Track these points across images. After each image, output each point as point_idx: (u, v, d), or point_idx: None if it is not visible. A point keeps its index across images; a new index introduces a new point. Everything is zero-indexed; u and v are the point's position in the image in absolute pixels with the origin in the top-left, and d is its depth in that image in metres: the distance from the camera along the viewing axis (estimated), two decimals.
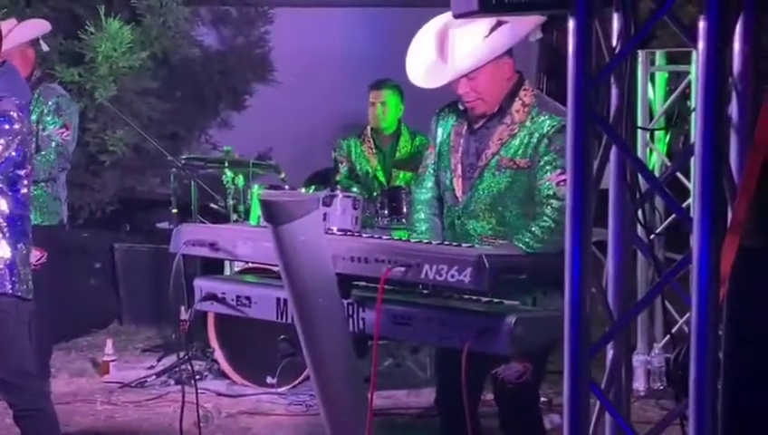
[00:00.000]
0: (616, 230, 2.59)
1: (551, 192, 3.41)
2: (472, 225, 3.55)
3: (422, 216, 3.72)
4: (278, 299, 3.37)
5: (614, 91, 2.57)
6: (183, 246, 3.46)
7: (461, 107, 3.62)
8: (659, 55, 5.84)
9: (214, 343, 5.81)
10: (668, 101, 5.80)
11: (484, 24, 3.42)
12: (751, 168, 2.30)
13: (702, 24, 2.23)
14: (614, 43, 2.52)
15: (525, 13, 2.70)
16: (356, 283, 3.25)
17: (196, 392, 4.13)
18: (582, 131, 2.38)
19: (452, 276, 2.97)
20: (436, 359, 4.03)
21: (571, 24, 2.38)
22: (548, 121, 3.47)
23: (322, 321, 3.15)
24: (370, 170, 6.33)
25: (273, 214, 3.05)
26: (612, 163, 2.54)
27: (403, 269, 3.04)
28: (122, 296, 7.14)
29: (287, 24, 8.43)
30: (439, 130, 3.70)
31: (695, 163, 2.33)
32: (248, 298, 3.45)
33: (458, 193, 3.58)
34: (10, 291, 3.58)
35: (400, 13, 8.94)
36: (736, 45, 2.46)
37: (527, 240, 3.40)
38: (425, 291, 3.33)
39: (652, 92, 5.79)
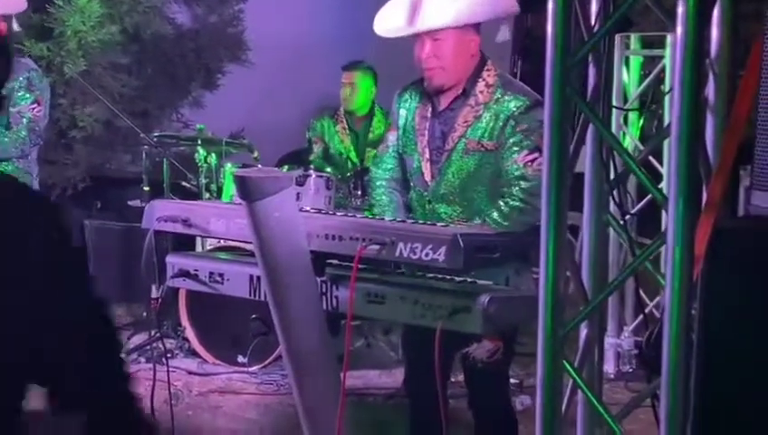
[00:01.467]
0: (591, 210, 2.60)
1: (519, 173, 3.41)
2: (442, 209, 3.55)
3: (382, 190, 3.71)
4: (251, 276, 3.35)
5: (591, 71, 2.58)
6: (155, 222, 3.43)
7: (424, 86, 3.59)
8: (634, 39, 5.87)
9: (185, 321, 5.79)
10: (643, 85, 5.82)
11: None
12: (727, 148, 2.31)
13: (680, 6, 2.23)
14: (593, 23, 2.52)
15: None
16: (330, 261, 3.24)
17: (168, 371, 4.11)
18: (561, 110, 2.37)
19: (426, 255, 2.96)
20: (404, 339, 4.03)
21: (550, 2, 2.37)
22: (513, 102, 3.46)
23: (296, 298, 3.14)
24: (343, 151, 6.33)
25: (247, 190, 3.03)
26: (589, 143, 2.55)
27: (377, 247, 3.03)
28: (92, 274, 7.09)
29: (261, 3, 8.38)
30: (402, 112, 3.67)
31: (669, 144, 2.34)
32: (221, 275, 3.43)
33: (427, 177, 3.57)
34: None
35: None
36: (714, 30, 2.47)
37: (495, 217, 3.41)
38: (398, 270, 3.33)
39: (627, 76, 5.81)
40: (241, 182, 3.05)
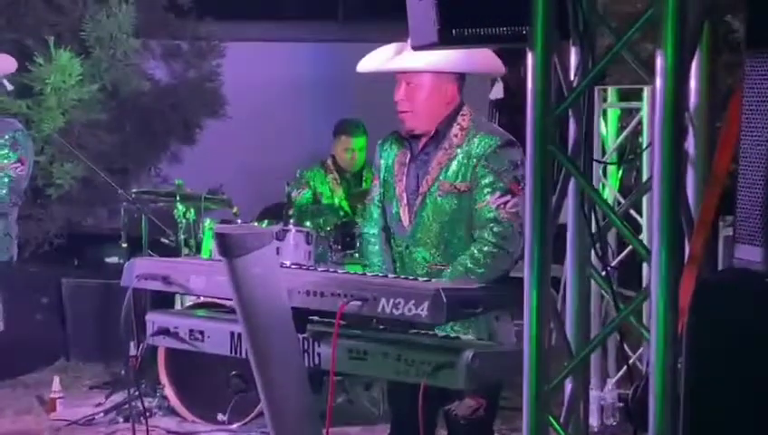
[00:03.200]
0: (574, 263, 2.59)
1: (491, 215, 3.40)
2: (419, 253, 3.53)
3: (374, 248, 3.70)
4: (232, 333, 3.32)
5: (572, 125, 2.58)
6: (135, 280, 3.40)
7: (404, 135, 3.61)
8: (611, 92, 5.91)
9: (164, 379, 5.72)
10: (621, 137, 5.86)
11: None
12: (708, 201, 2.32)
13: (659, 60, 2.25)
14: (572, 77, 2.53)
15: (485, 45, 2.70)
16: (311, 317, 3.21)
17: (147, 429, 4.05)
18: (542, 164, 2.38)
19: (409, 310, 2.94)
20: (389, 394, 3.98)
21: (530, 58, 2.38)
22: (484, 142, 3.45)
23: (277, 355, 3.11)
24: (336, 201, 6.33)
25: (227, 247, 3.01)
26: (570, 195, 2.55)
27: (359, 303, 3.01)
28: (70, 332, 7.01)
29: (238, 58, 8.41)
30: (382, 161, 3.68)
31: (650, 197, 2.34)
32: (201, 332, 3.39)
33: (405, 222, 3.56)
34: None
35: (352, 48, 8.97)
36: (692, 81, 2.48)
37: (468, 264, 3.38)
38: (380, 326, 3.31)
39: (605, 129, 5.84)
40: (221, 239, 3.03)
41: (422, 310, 2.92)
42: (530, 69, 2.37)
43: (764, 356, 2.05)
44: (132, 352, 6.01)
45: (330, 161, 6.51)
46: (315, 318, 3.23)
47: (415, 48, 2.49)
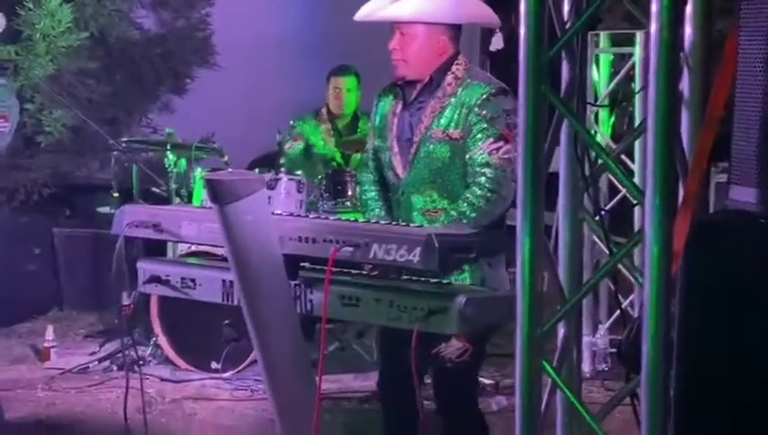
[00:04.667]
0: (566, 207, 2.58)
1: (484, 160, 3.42)
2: (414, 199, 3.55)
3: (372, 195, 3.73)
4: (224, 281, 3.30)
5: (565, 69, 2.56)
6: (126, 227, 3.38)
7: (396, 82, 3.62)
8: (603, 37, 5.87)
9: (157, 328, 5.73)
10: (613, 83, 5.82)
11: None
12: (703, 143, 2.30)
13: (654, 5, 2.21)
14: (565, 18, 2.50)
15: None
16: (303, 264, 3.20)
17: (141, 378, 4.05)
18: (536, 107, 2.35)
19: (401, 256, 2.92)
20: (380, 341, 4.00)
21: (523, 1, 2.34)
22: (477, 90, 3.47)
23: (269, 302, 3.10)
24: (328, 152, 6.31)
25: (218, 193, 2.99)
26: (563, 140, 2.53)
27: (351, 249, 2.99)
28: (63, 282, 7.02)
29: (228, 7, 8.33)
30: (377, 114, 3.71)
31: (643, 141, 2.32)
32: (193, 280, 3.37)
33: (398, 170, 3.58)
34: None
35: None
36: (687, 26, 2.46)
37: (463, 209, 3.41)
38: (373, 272, 3.31)
39: (596, 74, 5.81)
40: (212, 185, 3.01)
41: (414, 255, 2.91)
42: (523, 10, 2.33)
43: (759, 296, 2.04)
44: (125, 301, 6.02)
45: (323, 110, 6.49)
46: (306, 265, 3.22)
47: None
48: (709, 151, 2.29)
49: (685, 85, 2.43)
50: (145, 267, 3.49)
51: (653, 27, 2.23)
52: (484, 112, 3.43)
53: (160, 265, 3.51)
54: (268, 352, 3.17)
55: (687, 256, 2.14)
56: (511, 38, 3.61)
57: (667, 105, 2.24)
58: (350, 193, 5.84)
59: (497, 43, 3.67)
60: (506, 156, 3.41)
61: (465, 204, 3.42)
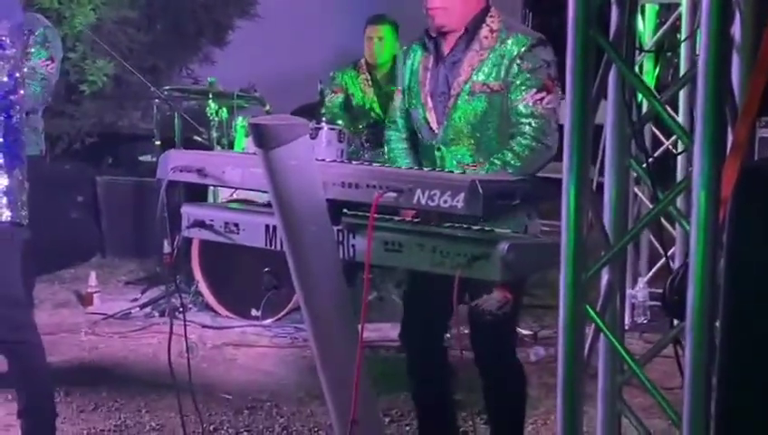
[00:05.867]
0: (613, 155, 2.56)
1: (528, 111, 3.43)
2: (451, 154, 3.54)
3: (402, 148, 3.73)
4: (267, 226, 3.32)
5: (614, 12, 2.52)
6: (170, 171, 3.39)
7: (427, 35, 3.59)
8: None
9: (198, 275, 5.79)
10: (659, 33, 5.75)
11: None
12: (754, 88, 2.26)
13: None
14: None
15: None
16: (345, 210, 3.20)
17: (185, 323, 4.08)
18: (585, 51, 2.32)
19: (445, 202, 2.91)
20: (406, 288, 3.93)
21: None
22: (517, 42, 3.46)
23: (313, 247, 3.10)
24: (367, 102, 6.31)
25: (262, 138, 2.99)
26: (611, 85, 2.50)
27: (395, 195, 2.98)
28: (105, 229, 7.09)
29: None
30: (406, 68, 3.68)
31: (687, 91, 2.29)
32: (236, 225, 3.39)
33: (433, 125, 3.57)
34: (10, 218, 3.51)
35: None
36: None
37: (508, 159, 3.42)
38: (415, 219, 3.31)
39: (642, 25, 5.74)
40: (256, 130, 3.01)
41: (458, 201, 2.90)
42: None
43: None
44: (166, 249, 6.08)
45: (362, 61, 6.48)
46: (350, 211, 3.22)
47: None
48: (759, 97, 2.26)
49: (736, 29, 2.40)
50: (189, 212, 3.50)
51: None
52: (526, 64, 3.43)
53: (204, 209, 3.53)
54: (311, 297, 3.18)
55: (735, 201, 2.11)
56: None
57: (718, 48, 2.21)
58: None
59: None
60: (550, 105, 3.44)
61: (511, 153, 3.42)
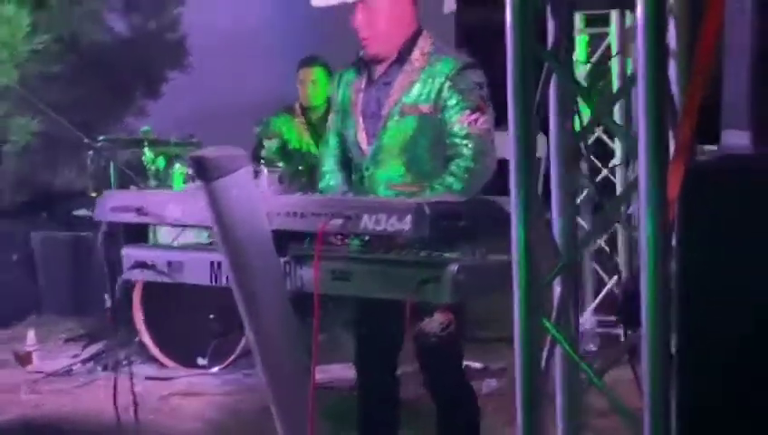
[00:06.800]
0: (559, 165, 2.56)
1: (464, 132, 3.43)
2: (379, 174, 3.54)
3: (327, 168, 3.73)
4: (212, 262, 3.26)
5: (550, 25, 2.54)
6: (109, 212, 3.34)
7: (361, 58, 3.61)
8: (578, 18, 5.87)
9: (140, 326, 5.67)
10: (589, 64, 5.84)
11: None
12: (693, 90, 2.29)
13: None
14: None
15: None
16: (291, 240, 3.16)
17: (131, 376, 3.98)
18: (523, 63, 2.33)
19: (392, 225, 2.90)
20: (356, 319, 3.89)
21: None
22: (448, 64, 3.48)
23: (260, 279, 3.06)
24: (304, 146, 6.28)
25: (204, 169, 2.96)
26: (552, 95, 2.51)
27: (341, 221, 2.96)
28: (42, 286, 6.95)
29: (198, 6, 8.31)
30: (339, 91, 3.69)
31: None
32: (180, 263, 3.34)
33: (363, 146, 3.57)
34: None
35: None
36: None
37: (449, 182, 3.41)
38: (361, 246, 3.28)
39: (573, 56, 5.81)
40: (197, 162, 2.98)
41: (405, 224, 2.89)
42: None
43: (758, 238, 2.03)
44: (107, 303, 5.98)
45: (297, 105, 6.46)
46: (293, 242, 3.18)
47: None
48: (700, 99, 2.28)
49: (671, 36, 2.42)
50: (130, 253, 3.44)
51: None
52: (458, 86, 3.44)
53: (146, 250, 3.47)
54: (260, 330, 3.13)
55: (684, 202, 2.12)
56: None
57: (655, 53, 2.23)
58: None
59: (450, 4, 3.65)
60: (485, 126, 3.46)
61: (451, 177, 3.42)
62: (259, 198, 3.07)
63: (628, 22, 5.41)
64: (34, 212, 7.28)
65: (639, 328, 2.33)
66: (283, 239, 3.13)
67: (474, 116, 3.42)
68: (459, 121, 3.43)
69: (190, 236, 5.54)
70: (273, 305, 3.11)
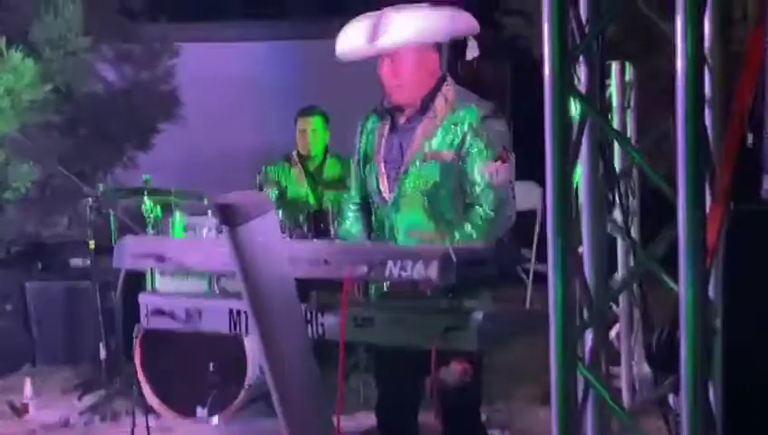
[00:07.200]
0: (591, 211, 2.57)
1: (485, 181, 3.44)
2: (401, 221, 3.54)
3: (346, 222, 3.74)
4: (231, 310, 3.26)
5: (584, 73, 2.57)
6: (129, 259, 3.32)
7: (384, 105, 3.62)
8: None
9: (140, 376, 5.61)
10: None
11: (417, 12, 3.47)
12: (732, 137, 2.31)
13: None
14: (584, 22, 2.52)
15: None
16: (312, 287, 3.16)
17: (133, 426, 3.91)
18: (561, 108, 2.35)
19: (418, 272, 2.90)
20: (376, 368, 3.89)
21: (545, 3, 2.36)
22: (472, 112, 3.49)
23: (282, 326, 3.05)
24: (302, 194, 6.28)
25: (229, 215, 2.95)
26: (585, 140, 2.53)
27: (366, 268, 2.96)
28: (36, 337, 6.87)
29: (193, 58, 8.33)
30: (362, 136, 3.70)
31: (673, 138, 2.33)
32: (199, 311, 3.32)
33: (385, 193, 3.58)
34: None
35: (305, 45, 8.96)
36: (706, 26, 2.48)
37: (468, 231, 3.41)
38: (380, 293, 3.27)
39: (574, 108, 5.84)
40: (222, 207, 2.97)
41: (431, 270, 2.89)
42: (546, 11, 2.35)
43: None
44: (102, 353, 5.93)
45: (294, 153, 6.47)
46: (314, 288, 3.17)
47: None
48: (738, 145, 2.31)
49: (707, 84, 2.45)
50: (147, 300, 3.42)
51: (678, 23, 2.25)
52: (480, 134, 3.45)
53: (163, 297, 3.45)
54: (282, 379, 3.11)
55: (729, 246, 2.13)
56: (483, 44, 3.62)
57: (695, 102, 2.26)
58: (333, 232, 5.80)
59: (473, 50, 3.64)
60: (505, 176, 3.45)
61: (470, 225, 3.42)
62: (283, 243, 3.06)
63: (627, 76, 5.47)
64: (29, 262, 7.22)
65: (672, 375, 2.34)
66: (306, 286, 3.13)
67: (495, 165, 3.43)
68: (480, 170, 3.43)
69: (189, 286, 5.55)
70: (295, 353, 3.09)
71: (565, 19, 2.37)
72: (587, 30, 2.51)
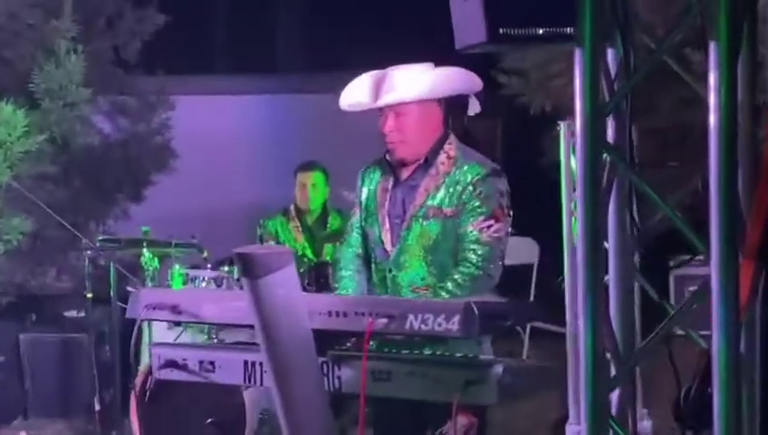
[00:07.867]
0: (618, 265, 2.57)
1: (474, 237, 3.44)
2: (402, 276, 3.53)
3: (345, 273, 3.70)
4: (245, 362, 3.22)
5: (611, 128, 2.58)
6: (143, 310, 3.29)
7: (386, 159, 3.63)
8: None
9: (136, 429, 5.53)
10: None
11: (424, 70, 3.50)
12: (763, 193, 2.32)
13: (712, 52, 2.26)
14: (612, 76, 2.54)
15: (530, 45, 2.68)
16: (329, 339, 3.13)
17: None
18: (594, 161, 2.36)
19: (439, 325, 2.88)
20: (375, 421, 3.84)
21: (577, 55, 2.38)
22: (472, 169, 3.51)
23: (300, 378, 3.02)
24: (299, 248, 6.27)
25: (249, 267, 2.93)
26: (614, 193, 2.54)
27: (386, 321, 2.94)
28: (28, 389, 6.79)
29: (188, 111, 8.35)
30: (364, 187, 3.70)
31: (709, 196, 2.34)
32: (212, 363, 3.28)
33: (387, 246, 3.57)
34: None
35: (303, 99, 9.00)
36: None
37: (450, 287, 3.41)
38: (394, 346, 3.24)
39: (575, 163, 5.86)
40: (243, 259, 2.95)
41: (453, 324, 2.87)
42: (578, 65, 2.36)
43: None
44: (96, 406, 5.86)
45: (292, 207, 6.48)
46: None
47: (460, 48, 2.47)
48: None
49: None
50: (160, 352, 3.39)
51: (712, 81, 2.27)
52: (479, 191, 3.47)
53: (176, 348, 3.42)
54: (297, 430, 3.07)
55: (765, 304, 2.14)
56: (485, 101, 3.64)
57: (728, 159, 2.28)
58: (333, 285, 5.79)
59: (474, 107, 3.68)
60: (496, 234, 3.46)
61: (451, 283, 3.43)
62: (302, 296, 3.05)
63: None
64: (23, 313, 7.15)
65: (704, 430, 2.33)
66: (323, 339, 3.10)
67: (487, 223, 3.43)
68: (472, 226, 3.44)
69: (187, 337, 5.50)
70: (312, 406, 3.06)
71: (598, 71, 2.39)
72: (616, 86, 2.53)
